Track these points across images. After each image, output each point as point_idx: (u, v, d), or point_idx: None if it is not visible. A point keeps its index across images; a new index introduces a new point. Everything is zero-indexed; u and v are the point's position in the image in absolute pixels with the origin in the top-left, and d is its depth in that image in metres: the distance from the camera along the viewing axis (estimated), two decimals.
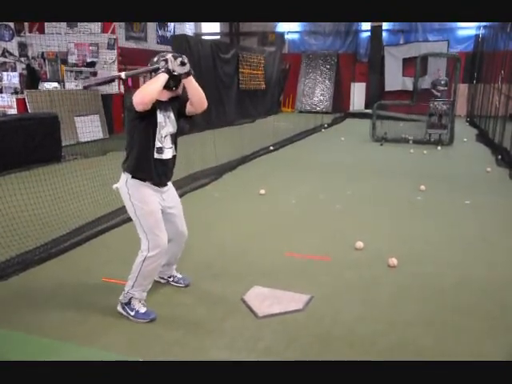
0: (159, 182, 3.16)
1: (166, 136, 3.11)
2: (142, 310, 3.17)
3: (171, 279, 3.67)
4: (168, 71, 2.92)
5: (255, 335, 2.98)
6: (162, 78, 2.91)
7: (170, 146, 3.17)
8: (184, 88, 3.11)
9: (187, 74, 3.00)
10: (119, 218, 5.12)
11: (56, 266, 4.02)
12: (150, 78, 3.00)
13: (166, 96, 3.08)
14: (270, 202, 6.08)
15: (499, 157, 9.10)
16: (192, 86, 3.06)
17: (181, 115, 3.22)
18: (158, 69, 2.95)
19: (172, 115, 3.15)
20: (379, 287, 3.68)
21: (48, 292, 3.55)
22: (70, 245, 4.37)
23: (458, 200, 6.23)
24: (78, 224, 4.82)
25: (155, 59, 3.02)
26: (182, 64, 2.94)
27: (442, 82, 12.66)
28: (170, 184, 3.33)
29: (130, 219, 5.10)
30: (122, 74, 2.95)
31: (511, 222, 5.32)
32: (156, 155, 3.09)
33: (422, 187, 6.74)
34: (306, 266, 4.09)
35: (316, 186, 7.01)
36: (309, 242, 4.65)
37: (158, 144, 3.08)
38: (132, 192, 3.10)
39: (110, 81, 3.21)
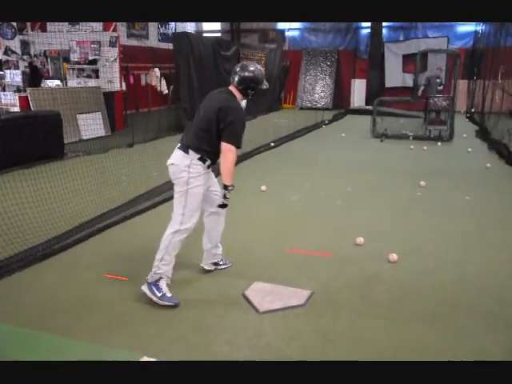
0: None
1: None
2: (169, 294, 3.27)
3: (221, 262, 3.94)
4: None
5: (256, 331, 3.01)
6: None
7: None
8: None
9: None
10: (121, 214, 5.17)
11: (59, 262, 4.06)
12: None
13: None
14: (271, 199, 6.11)
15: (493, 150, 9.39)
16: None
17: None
18: None
19: None
20: (379, 283, 3.71)
21: (51, 288, 3.59)
22: (73, 241, 4.41)
23: (458, 196, 6.25)
24: (80, 221, 4.86)
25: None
26: None
27: (438, 81, 12.45)
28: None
29: (131, 216, 5.18)
30: None
31: (511, 218, 5.35)
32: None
33: (422, 183, 6.77)
34: (306, 261, 4.12)
35: (317, 182, 7.04)
36: (309, 238, 4.68)
37: None
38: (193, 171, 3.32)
39: None
